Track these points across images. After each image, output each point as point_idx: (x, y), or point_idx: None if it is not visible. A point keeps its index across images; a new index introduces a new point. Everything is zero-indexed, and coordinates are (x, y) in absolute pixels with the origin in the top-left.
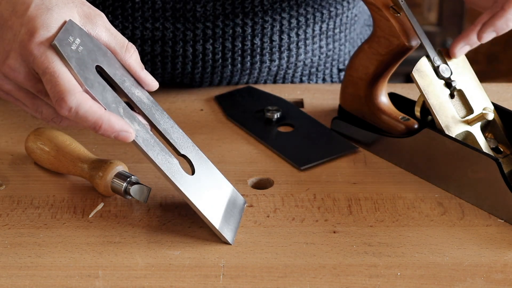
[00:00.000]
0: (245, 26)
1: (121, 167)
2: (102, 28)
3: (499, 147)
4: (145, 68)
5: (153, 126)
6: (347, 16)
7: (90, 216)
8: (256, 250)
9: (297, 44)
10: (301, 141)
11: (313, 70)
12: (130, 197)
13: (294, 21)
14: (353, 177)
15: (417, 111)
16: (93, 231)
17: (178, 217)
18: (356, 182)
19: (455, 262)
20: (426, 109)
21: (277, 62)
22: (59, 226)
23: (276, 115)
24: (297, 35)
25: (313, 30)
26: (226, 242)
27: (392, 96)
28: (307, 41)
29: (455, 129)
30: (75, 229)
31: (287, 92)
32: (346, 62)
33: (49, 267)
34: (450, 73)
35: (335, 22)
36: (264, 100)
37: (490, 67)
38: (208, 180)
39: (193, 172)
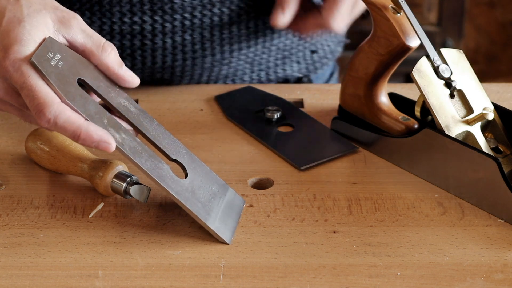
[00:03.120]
0: (222, 14)
1: (121, 167)
2: (77, 30)
3: (499, 147)
4: (125, 64)
5: (142, 134)
6: None
7: (90, 216)
8: (256, 250)
9: (271, 29)
10: (301, 141)
11: (286, 53)
12: (130, 197)
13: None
14: (353, 177)
15: (417, 111)
16: (93, 231)
17: (178, 217)
18: (356, 182)
19: (455, 262)
20: (426, 109)
21: (253, 48)
22: (59, 226)
23: (276, 115)
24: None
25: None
26: (224, 242)
27: (392, 96)
28: None
29: (455, 129)
30: (75, 229)
31: (287, 92)
32: (317, 44)
33: (49, 267)
34: (450, 73)
35: None
36: (264, 100)
37: (490, 67)
38: (202, 182)
39: (186, 176)
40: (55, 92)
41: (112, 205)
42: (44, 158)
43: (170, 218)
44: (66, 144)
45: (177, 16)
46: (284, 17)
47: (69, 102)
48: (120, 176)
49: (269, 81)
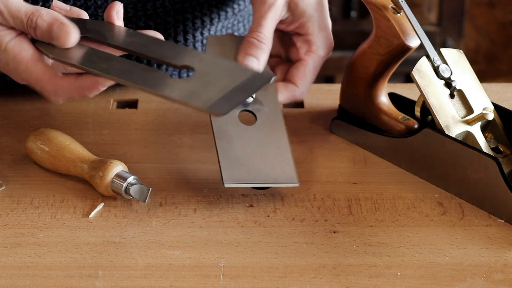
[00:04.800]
0: (148, 28)
1: (121, 167)
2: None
3: (499, 147)
4: None
5: (144, 56)
6: (247, 10)
7: (90, 216)
8: (256, 250)
9: (202, 43)
10: (247, 144)
11: None
12: (130, 197)
13: (198, 21)
14: (353, 177)
15: (417, 111)
16: (93, 231)
17: (178, 217)
18: (356, 182)
19: (455, 262)
20: (426, 109)
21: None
22: (59, 226)
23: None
24: (202, 34)
25: (216, 28)
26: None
27: (392, 96)
28: None
29: (455, 129)
30: (75, 229)
31: None
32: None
33: (49, 267)
34: (450, 73)
35: (237, 18)
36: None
37: (490, 67)
38: (216, 74)
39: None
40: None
41: (112, 205)
42: (44, 158)
43: (170, 218)
44: (66, 144)
45: None
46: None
47: (53, 56)
48: (120, 176)
49: None
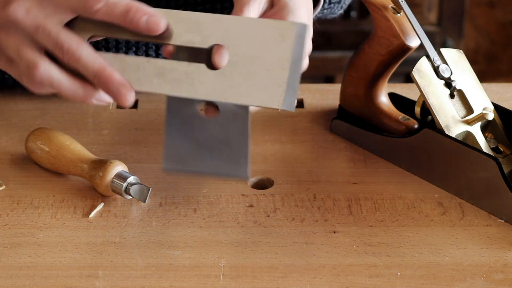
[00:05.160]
0: None
1: (121, 167)
2: None
3: (499, 147)
4: None
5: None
6: None
7: (90, 216)
8: (256, 250)
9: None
10: (202, 137)
11: None
12: (130, 197)
13: None
14: (353, 177)
15: (417, 111)
16: (93, 231)
17: (178, 217)
18: (356, 182)
19: (455, 262)
20: (426, 109)
21: None
22: (59, 226)
23: None
24: None
25: None
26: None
27: (392, 96)
28: None
29: (455, 129)
30: (75, 229)
31: None
32: None
33: (49, 267)
34: (450, 73)
35: None
36: None
37: (490, 67)
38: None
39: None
40: None
41: (112, 205)
42: (44, 158)
43: (170, 218)
44: (66, 144)
45: None
46: None
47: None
48: (120, 176)
49: None
